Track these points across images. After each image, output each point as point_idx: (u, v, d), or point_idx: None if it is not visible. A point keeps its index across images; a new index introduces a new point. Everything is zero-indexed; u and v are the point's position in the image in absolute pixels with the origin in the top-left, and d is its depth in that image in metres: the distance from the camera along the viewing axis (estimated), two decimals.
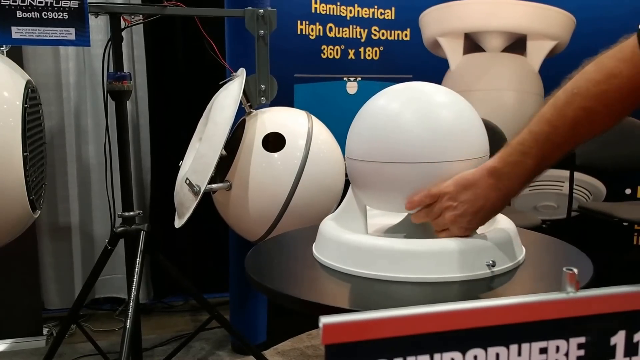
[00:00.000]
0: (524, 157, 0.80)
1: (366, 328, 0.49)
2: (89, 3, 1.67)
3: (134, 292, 1.68)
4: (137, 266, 1.76)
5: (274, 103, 2.09)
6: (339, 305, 0.80)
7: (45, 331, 2.54)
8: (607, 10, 2.60)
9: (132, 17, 1.89)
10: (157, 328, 2.69)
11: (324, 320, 0.46)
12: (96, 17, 1.83)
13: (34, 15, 1.56)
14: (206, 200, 1.97)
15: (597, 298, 0.62)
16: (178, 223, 1.87)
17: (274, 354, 2.45)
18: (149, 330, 2.63)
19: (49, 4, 1.56)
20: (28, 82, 1.57)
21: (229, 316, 2.50)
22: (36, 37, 1.57)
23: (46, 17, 1.57)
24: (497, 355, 0.59)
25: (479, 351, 0.58)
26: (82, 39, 1.63)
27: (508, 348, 0.59)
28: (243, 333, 2.27)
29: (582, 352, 0.62)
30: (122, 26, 1.86)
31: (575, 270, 0.62)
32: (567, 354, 0.61)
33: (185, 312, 2.88)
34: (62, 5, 1.58)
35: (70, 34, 1.61)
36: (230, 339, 2.51)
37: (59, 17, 1.58)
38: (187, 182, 1.73)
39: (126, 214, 1.91)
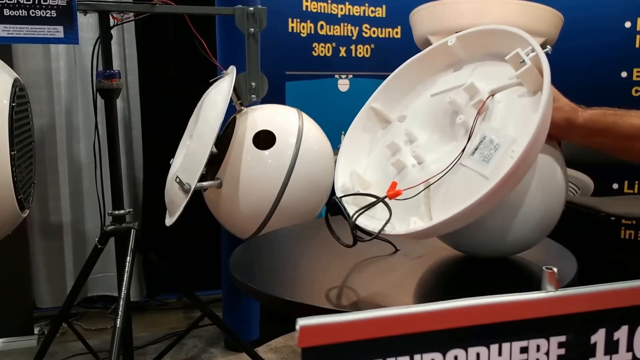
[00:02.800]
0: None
1: (344, 330, 0.49)
2: (78, 1, 1.65)
3: (124, 291, 1.68)
4: (128, 265, 1.75)
5: (266, 101, 2.09)
6: (323, 306, 0.80)
7: (36, 330, 2.53)
8: (597, 10, 2.62)
9: (122, 14, 1.88)
10: (150, 326, 2.69)
11: (301, 322, 0.46)
12: (85, 15, 1.82)
13: (21, 13, 1.54)
14: (199, 198, 1.97)
15: (577, 297, 0.62)
16: (169, 221, 1.87)
17: (267, 350, 2.45)
18: (142, 328, 2.63)
19: (36, 2, 1.55)
20: (16, 81, 1.56)
21: (222, 313, 2.50)
22: (24, 35, 1.56)
23: (34, 15, 1.55)
24: (478, 355, 0.59)
25: (459, 351, 0.58)
26: (71, 37, 1.62)
27: (488, 348, 0.59)
28: (236, 330, 2.27)
29: (562, 351, 0.62)
30: (112, 24, 1.85)
31: (555, 269, 0.62)
32: (547, 353, 0.62)
33: (178, 310, 2.88)
34: (50, 3, 1.57)
35: (58, 31, 1.59)
36: (223, 336, 2.51)
37: (47, 14, 1.57)
38: (177, 180, 1.72)
39: (116, 212, 1.90)
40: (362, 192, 0.92)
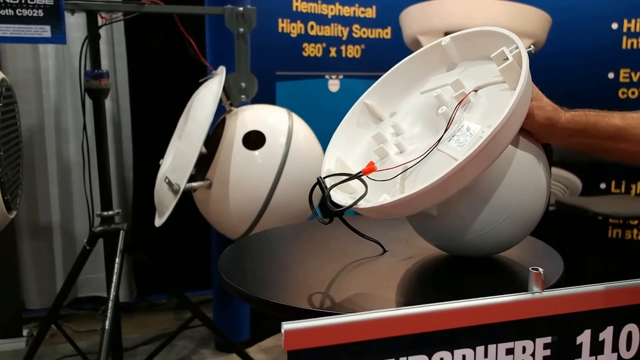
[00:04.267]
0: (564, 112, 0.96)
1: (330, 333, 0.49)
2: (65, 0, 1.64)
3: (112, 292, 1.67)
4: (117, 266, 1.75)
5: (256, 101, 2.08)
6: (310, 308, 0.80)
7: (25, 332, 2.51)
8: (584, 12, 2.64)
9: (110, 14, 1.87)
10: (140, 327, 2.68)
11: (286, 326, 0.46)
12: (72, 15, 1.81)
13: (8, 12, 1.53)
14: (189, 198, 1.96)
15: (563, 298, 0.62)
16: (158, 222, 1.86)
17: (258, 351, 2.45)
18: (132, 329, 2.62)
19: (23, 2, 1.54)
20: (2, 81, 1.54)
21: (212, 314, 2.49)
22: (10, 35, 1.55)
23: (20, 14, 1.54)
24: (464, 357, 0.59)
25: (445, 354, 0.58)
26: (58, 37, 1.61)
27: (474, 350, 0.59)
28: (227, 330, 2.27)
29: (548, 352, 0.62)
30: (100, 23, 1.84)
31: (541, 270, 0.63)
32: (533, 354, 0.62)
33: (168, 311, 2.87)
34: (37, 3, 1.55)
35: (45, 31, 1.58)
36: (213, 337, 2.51)
37: (34, 14, 1.56)
38: (167, 180, 1.72)
39: (105, 213, 1.89)
40: (342, 172, 0.96)
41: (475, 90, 0.91)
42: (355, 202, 0.87)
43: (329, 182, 0.93)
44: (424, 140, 0.93)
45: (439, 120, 0.93)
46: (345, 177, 0.92)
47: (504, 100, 0.85)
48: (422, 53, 1.05)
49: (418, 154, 0.89)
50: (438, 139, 0.88)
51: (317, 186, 0.92)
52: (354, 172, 0.95)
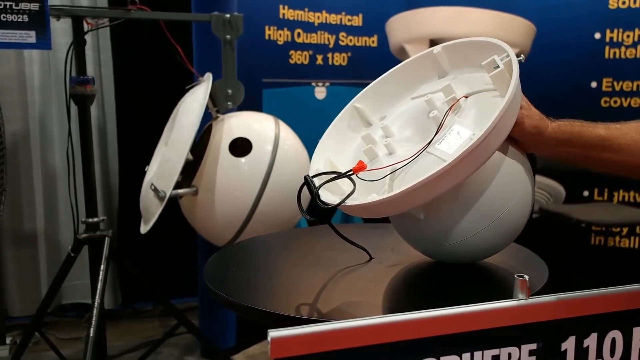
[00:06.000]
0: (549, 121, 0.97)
1: (316, 341, 0.49)
2: (50, 6, 1.63)
3: (97, 300, 1.66)
4: (102, 273, 1.73)
5: (242, 108, 2.08)
6: (296, 316, 0.80)
7: (8, 340, 2.47)
8: (565, 11, 2.68)
9: (96, 20, 1.86)
10: (125, 334, 2.65)
11: (272, 334, 0.46)
12: (58, 20, 1.80)
13: None
14: (176, 205, 1.95)
15: (548, 304, 0.63)
16: (144, 229, 1.85)
17: (243, 358, 2.44)
18: (117, 336, 2.59)
19: (7, 7, 1.53)
20: None
21: (198, 321, 2.48)
22: None
23: (5, 19, 1.53)
24: None
25: None
26: (43, 42, 1.60)
27: (460, 357, 0.59)
28: (212, 337, 2.26)
29: (533, 359, 0.63)
30: (86, 29, 1.83)
31: (527, 277, 0.63)
32: None
33: (154, 318, 2.85)
34: (22, 8, 1.55)
35: (30, 37, 1.57)
36: (199, 344, 2.49)
37: (19, 19, 1.55)
38: (153, 187, 1.71)
39: (90, 220, 1.88)
40: (330, 171, 0.96)
41: (466, 97, 0.92)
42: (344, 200, 0.87)
43: (317, 182, 0.93)
44: (414, 143, 0.94)
45: (429, 124, 0.94)
46: (333, 176, 0.93)
47: (494, 106, 0.86)
48: (413, 61, 1.06)
49: (407, 156, 0.90)
50: (429, 141, 0.89)
51: (307, 188, 0.92)
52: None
